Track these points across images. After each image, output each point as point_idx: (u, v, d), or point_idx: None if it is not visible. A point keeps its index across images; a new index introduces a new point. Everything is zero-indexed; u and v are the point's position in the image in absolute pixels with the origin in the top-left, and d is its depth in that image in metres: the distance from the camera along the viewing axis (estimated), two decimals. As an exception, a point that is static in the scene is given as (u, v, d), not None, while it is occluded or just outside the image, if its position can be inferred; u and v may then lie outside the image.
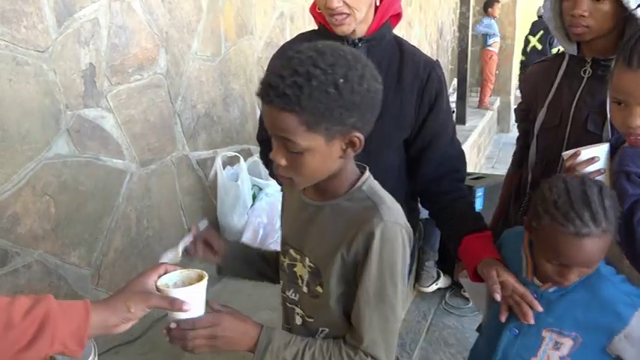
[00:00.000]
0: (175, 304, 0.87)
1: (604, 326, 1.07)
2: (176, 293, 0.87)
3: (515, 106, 1.74)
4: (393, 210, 0.92)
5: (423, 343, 2.36)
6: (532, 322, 1.10)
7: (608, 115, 1.36)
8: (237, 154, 2.85)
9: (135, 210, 2.33)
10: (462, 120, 5.48)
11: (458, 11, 6.74)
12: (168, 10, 2.42)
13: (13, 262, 1.80)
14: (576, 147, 1.23)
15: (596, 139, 1.35)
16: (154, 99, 2.38)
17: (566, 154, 1.24)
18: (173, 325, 0.90)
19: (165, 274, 0.93)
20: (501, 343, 1.15)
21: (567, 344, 1.11)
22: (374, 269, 0.88)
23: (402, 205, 1.44)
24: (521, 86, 1.69)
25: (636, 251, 1.10)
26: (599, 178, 1.18)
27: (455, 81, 6.09)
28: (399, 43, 1.44)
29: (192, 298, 0.89)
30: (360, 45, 1.36)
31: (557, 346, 1.12)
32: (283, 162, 0.87)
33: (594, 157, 1.18)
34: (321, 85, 0.80)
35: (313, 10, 1.43)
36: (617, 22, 1.34)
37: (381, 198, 0.93)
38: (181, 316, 0.89)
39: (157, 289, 0.89)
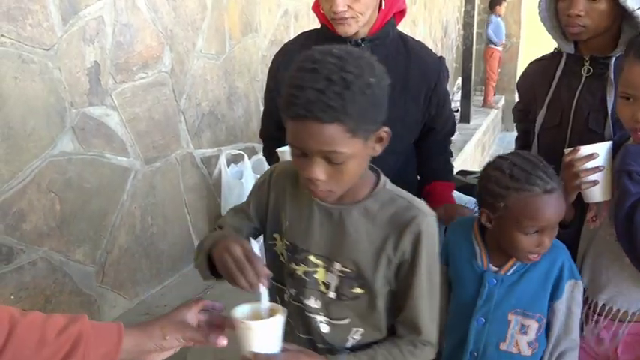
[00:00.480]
0: (211, 339, 0.85)
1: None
2: (256, 325, 0.83)
3: (513, 107, 1.73)
4: (422, 202, 0.96)
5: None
6: None
7: (609, 113, 1.35)
8: (242, 152, 2.85)
9: (139, 207, 2.33)
10: (466, 119, 5.46)
11: (462, 9, 6.73)
12: (172, 8, 2.43)
13: (18, 259, 1.81)
14: (579, 146, 1.23)
15: (598, 138, 1.34)
16: (159, 97, 2.39)
17: (567, 151, 1.24)
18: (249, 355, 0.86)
19: (204, 309, 0.91)
20: (470, 335, 1.17)
21: (533, 327, 1.15)
22: (425, 264, 0.91)
23: None
24: (519, 86, 1.66)
25: (637, 250, 1.09)
26: (597, 175, 1.17)
27: (459, 80, 6.07)
28: (404, 40, 1.43)
29: (269, 331, 0.84)
30: (363, 45, 1.35)
31: (523, 329, 1.15)
32: (323, 177, 0.84)
33: (593, 153, 1.18)
34: (359, 89, 0.80)
35: (316, 8, 1.42)
36: (613, 20, 1.34)
37: (409, 195, 0.95)
38: (257, 349, 0.84)
39: (233, 320, 0.87)
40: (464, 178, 2.63)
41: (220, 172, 2.79)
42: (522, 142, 1.65)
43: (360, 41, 1.36)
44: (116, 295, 2.25)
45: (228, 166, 2.80)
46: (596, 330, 1.23)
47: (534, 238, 1.10)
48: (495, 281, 1.16)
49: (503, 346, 1.17)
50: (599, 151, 1.18)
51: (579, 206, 1.28)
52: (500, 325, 1.16)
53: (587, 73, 1.41)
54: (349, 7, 1.27)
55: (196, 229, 2.73)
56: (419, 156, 1.56)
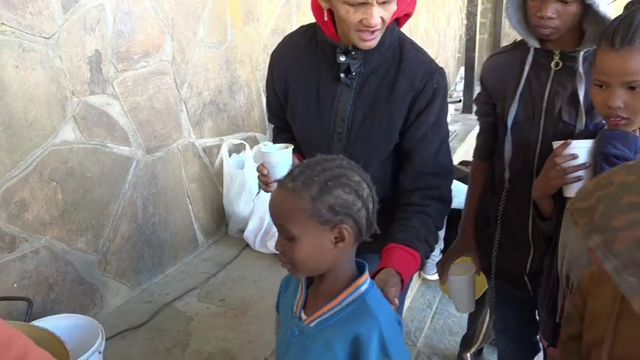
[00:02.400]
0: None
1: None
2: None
3: (474, 99, 1.69)
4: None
5: (427, 331, 2.37)
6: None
7: (581, 105, 1.36)
8: (243, 142, 2.85)
9: (141, 197, 2.34)
10: (468, 109, 5.44)
11: (466, -1, 6.66)
12: (173, -3, 2.41)
13: (21, 248, 1.82)
14: (553, 139, 1.29)
15: (571, 130, 1.37)
16: (160, 86, 2.38)
17: (555, 143, 1.27)
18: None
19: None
20: None
21: None
22: None
23: (393, 209, 1.39)
24: (485, 79, 1.61)
25: None
26: (582, 172, 1.21)
27: (462, 69, 6.04)
28: (402, 48, 1.32)
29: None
30: (354, 53, 1.26)
31: None
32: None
33: (575, 153, 1.21)
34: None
35: (316, 11, 1.34)
36: (580, 17, 1.36)
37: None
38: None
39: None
40: (465, 168, 2.63)
41: (222, 162, 2.79)
42: (488, 134, 1.64)
43: (350, 48, 1.26)
44: (119, 284, 2.26)
45: (229, 156, 2.79)
46: None
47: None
48: (297, 332, 0.99)
49: None
50: (586, 148, 1.21)
51: (559, 198, 1.29)
52: None
53: (556, 67, 1.42)
54: (382, 19, 1.18)
55: (198, 218, 2.74)
56: (397, 210, 1.35)
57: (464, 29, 6.60)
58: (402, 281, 1.14)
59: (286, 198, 0.90)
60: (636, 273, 0.79)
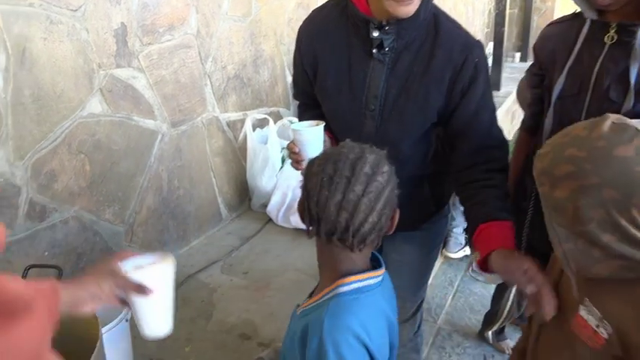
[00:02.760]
0: (139, 288, 0.86)
1: None
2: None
3: (527, 69, 1.64)
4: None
5: (448, 309, 2.37)
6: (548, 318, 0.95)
7: (631, 84, 1.29)
8: (267, 117, 2.84)
9: (166, 170, 2.37)
10: (496, 86, 5.32)
11: (496, -29, 6.45)
12: (198, -31, 2.39)
13: (51, 218, 1.87)
14: (597, 116, 1.18)
15: (617, 110, 1.29)
16: (185, 59, 2.38)
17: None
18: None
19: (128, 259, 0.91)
20: None
21: None
22: None
23: (423, 187, 1.37)
24: (537, 49, 1.56)
25: None
26: None
27: (491, 45, 5.88)
28: (437, 21, 1.26)
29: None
30: (387, 28, 1.21)
31: None
32: None
33: None
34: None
35: None
36: None
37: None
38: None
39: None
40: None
41: (246, 136, 2.80)
42: (535, 107, 1.58)
43: (384, 23, 1.21)
44: (144, 255, 2.31)
45: (253, 131, 2.80)
46: None
47: None
48: (294, 319, 0.97)
49: None
50: None
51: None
52: None
53: (611, 41, 1.34)
54: None
55: (222, 192, 2.77)
56: (459, 191, 1.33)
57: (493, 3, 6.41)
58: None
59: None
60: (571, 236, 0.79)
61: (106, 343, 1.23)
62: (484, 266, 1.13)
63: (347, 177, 0.85)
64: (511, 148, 1.57)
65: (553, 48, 1.47)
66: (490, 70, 5.53)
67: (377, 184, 0.86)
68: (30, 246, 1.81)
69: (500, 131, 1.34)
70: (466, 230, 2.86)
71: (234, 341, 1.90)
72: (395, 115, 1.24)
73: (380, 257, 0.97)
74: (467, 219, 1.30)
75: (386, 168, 0.89)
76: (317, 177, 0.86)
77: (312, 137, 1.23)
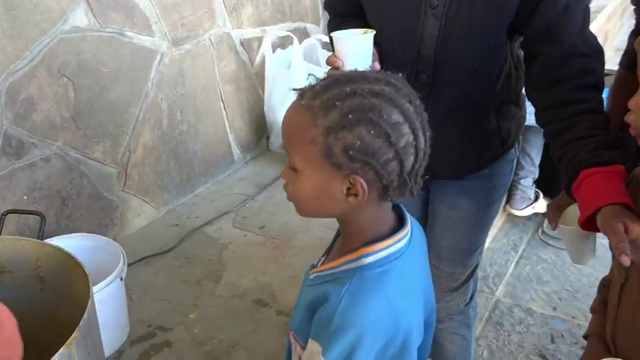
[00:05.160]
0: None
1: None
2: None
3: None
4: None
5: (509, 278, 2.38)
6: None
7: None
8: (290, 34, 2.81)
9: (166, 99, 2.39)
10: (587, -4, 5.10)
11: None
12: None
13: (30, 155, 1.93)
14: None
15: None
16: (189, -40, 2.36)
17: None
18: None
19: None
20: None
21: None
22: None
23: (489, 118, 1.33)
24: None
25: None
26: None
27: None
28: None
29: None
30: None
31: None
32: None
33: None
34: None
35: None
36: None
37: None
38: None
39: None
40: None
41: (264, 59, 2.78)
42: None
43: None
44: (141, 202, 2.38)
45: (273, 52, 2.78)
46: None
47: None
48: (305, 282, 1.00)
49: None
50: None
51: None
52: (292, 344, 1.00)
53: None
54: None
55: (234, 128, 2.79)
56: (543, 119, 1.26)
57: None
58: (630, 208, 1.07)
59: (298, 119, 0.84)
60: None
61: (98, 306, 1.29)
62: (588, 227, 1.10)
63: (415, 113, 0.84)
64: (605, 94, 1.50)
65: None
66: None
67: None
68: (6, 188, 1.88)
69: (594, 38, 1.28)
70: (536, 182, 2.83)
71: (247, 308, 1.97)
72: (463, 11, 1.20)
73: (402, 207, 0.96)
74: (558, 160, 1.24)
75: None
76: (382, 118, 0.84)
77: (361, 48, 1.18)
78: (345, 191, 0.83)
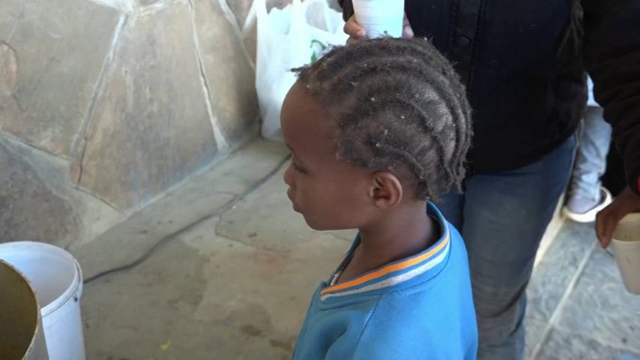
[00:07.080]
0: None
1: None
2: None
3: None
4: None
5: (567, 301, 2.38)
6: None
7: None
8: (290, -10, 2.82)
9: (132, 72, 2.39)
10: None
11: None
12: None
13: (-41, 142, 1.94)
14: None
15: None
16: None
17: None
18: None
19: None
20: None
21: None
22: None
23: (545, 96, 1.34)
24: None
25: None
26: None
27: None
28: None
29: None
30: None
31: None
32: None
33: None
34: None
35: None
36: None
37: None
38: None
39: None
40: None
41: (256, 21, 2.79)
42: None
43: None
44: (100, 203, 2.38)
45: (268, 12, 2.78)
46: None
47: None
48: (315, 305, 1.02)
49: None
50: None
51: None
52: None
53: None
54: None
55: (217, 109, 2.79)
56: (603, 95, 1.32)
57: None
58: None
59: (303, 108, 0.83)
60: None
61: (47, 332, 1.29)
62: None
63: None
64: None
65: None
66: None
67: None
68: None
69: None
70: (602, 178, 2.82)
71: (234, 337, 1.97)
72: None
73: (438, 210, 0.95)
74: (621, 147, 1.25)
75: None
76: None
77: (388, 12, 1.15)
78: (372, 193, 0.83)
